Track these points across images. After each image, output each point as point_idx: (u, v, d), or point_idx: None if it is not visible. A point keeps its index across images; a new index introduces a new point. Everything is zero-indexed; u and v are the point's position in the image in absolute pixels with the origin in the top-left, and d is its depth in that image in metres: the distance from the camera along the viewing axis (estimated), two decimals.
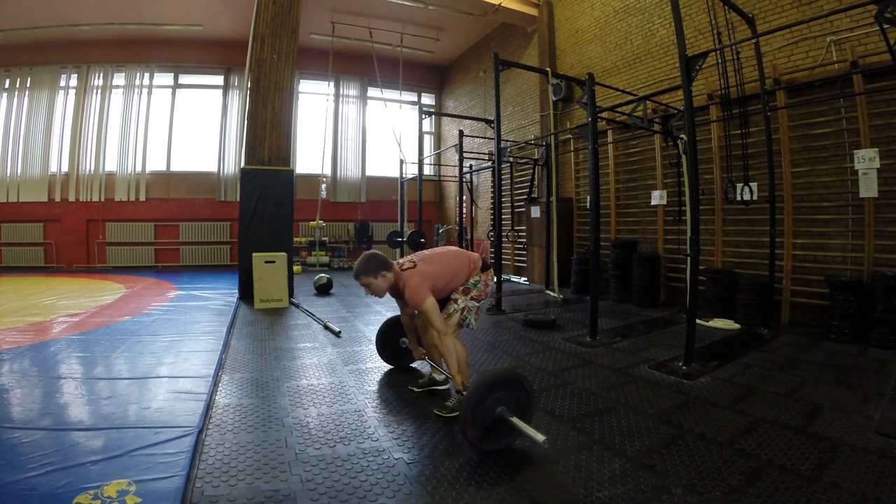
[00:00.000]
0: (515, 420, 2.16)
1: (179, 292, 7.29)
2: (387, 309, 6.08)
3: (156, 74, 11.49)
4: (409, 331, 3.15)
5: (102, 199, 11.06)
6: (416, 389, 3.07)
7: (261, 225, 6.71)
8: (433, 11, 10.02)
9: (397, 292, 2.81)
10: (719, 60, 4.75)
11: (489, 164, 9.66)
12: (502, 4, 9.18)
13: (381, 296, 2.75)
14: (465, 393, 2.68)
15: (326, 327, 4.89)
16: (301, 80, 12.31)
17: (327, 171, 12.50)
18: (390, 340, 3.51)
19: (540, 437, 2.02)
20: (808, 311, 4.96)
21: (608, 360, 3.85)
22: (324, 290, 7.42)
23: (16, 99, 10.97)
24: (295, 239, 9.21)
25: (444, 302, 2.79)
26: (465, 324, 2.81)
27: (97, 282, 8.61)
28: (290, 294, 6.59)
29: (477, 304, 2.83)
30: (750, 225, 5.55)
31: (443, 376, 3.07)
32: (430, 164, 13.36)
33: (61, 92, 11.15)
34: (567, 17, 8.88)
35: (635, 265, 6.57)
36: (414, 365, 3.57)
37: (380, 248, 12.80)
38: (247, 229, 6.70)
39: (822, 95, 4.82)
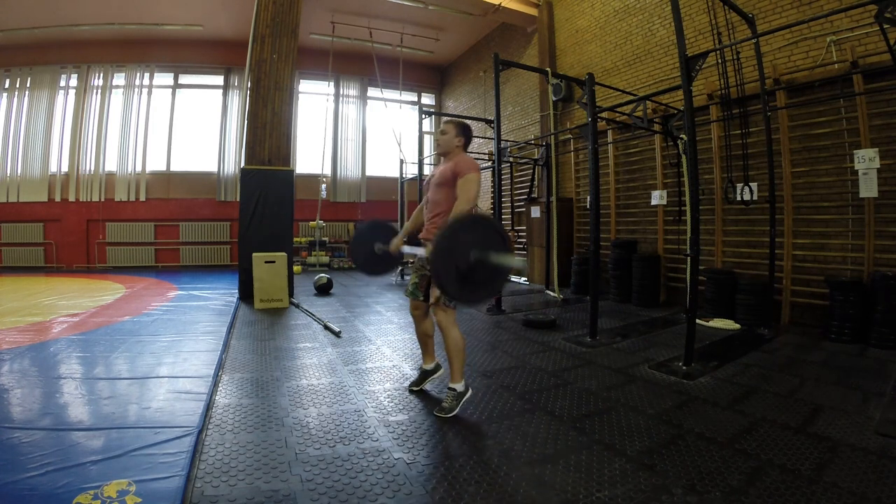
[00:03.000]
0: (492, 255, 2.06)
1: (179, 292, 7.29)
2: (387, 309, 6.08)
3: (156, 74, 11.49)
4: (418, 315, 3.07)
5: (102, 199, 11.07)
6: (413, 388, 3.10)
7: (261, 225, 6.70)
8: (433, 11, 10.02)
9: (442, 179, 2.79)
10: (719, 60, 4.75)
11: (489, 164, 9.66)
12: (502, 4, 9.18)
13: (440, 149, 2.85)
14: (458, 388, 2.69)
15: (326, 327, 4.89)
16: (301, 80, 12.32)
17: (327, 171, 12.50)
18: (365, 244, 3.24)
19: (518, 262, 1.97)
20: (808, 311, 4.96)
21: (608, 360, 3.85)
22: (324, 290, 7.42)
23: (16, 99, 10.97)
24: (295, 239, 9.21)
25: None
26: (455, 306, 2.76)
27: (97, 282, 8.61)
28: (290, 294, 6.59)
29: None
30: (750, 225, 5.55)
31: (432, 364, 3.09)
32: (430, 164, 13.35)
33: (61, 92, 11.15)
34: (567, 17, 8.89)
35: (635, 265, 6.57)
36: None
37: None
38: (247, 229, 6.70)
39: (822, 95, 4.82)
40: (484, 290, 2.22)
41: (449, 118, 2.78)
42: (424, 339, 3.07)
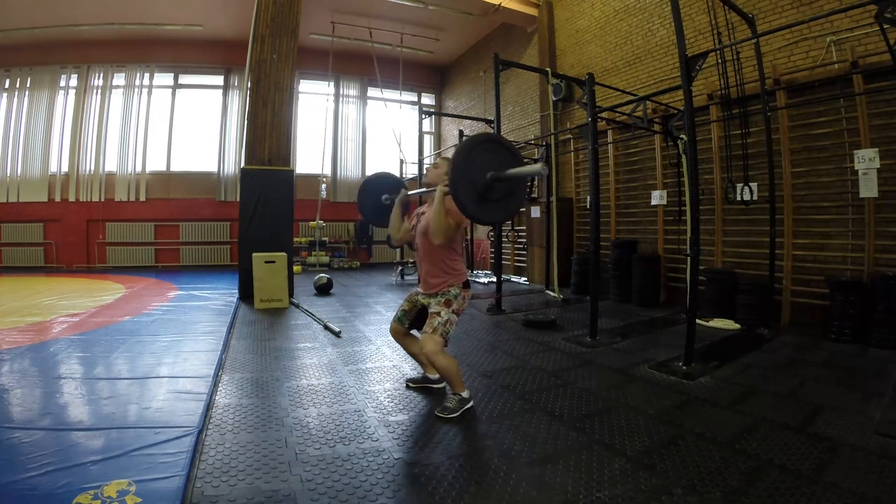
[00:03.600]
0: (509, 171, 2.14)
1: (179, 292, 7.29)
2: (387, 309, 6.08)
3: (156, 74, 11.49)
4: (398, 337, 3.07)
5: (102, 199, 11.07)
6: (412, 385, 3.14)
7: (261, 225, 6.70)
8: (433, 11, 10.02)
9: (417, 226, 2.85)
10: (719, 60, 4.75)
11: None
12: (502, 4, 9.18)
13: (427, 180, 2.85)
14: (463, 394, 2.69)
15: (326, 327, 4.89)
16: (301, 80, 12.31)
17: (327, 171, 12.51)
18: (372, 195, 3.32)
19: (537, 166, 2.07)
20: (808, 311, 4.96)
21: (608, 360, 3.85)
22: (324, 290, 7.42)
23: (16, 99, 10.97)
24: (295, 239, 9.21)
25: (424, 318, 2.80)
26: (448, 337, 2.71)
27: (97, 282, 8.61)
28: (290, 294, 6.59)
29: (457, 318, 2.78)
30: (750, 225, 5.54)
31: (436, 375, 3.09)
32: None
33: (61, 92, 11.15)
34: (567, 17, 8.88)
35: (635, 265, 6.56)
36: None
37: (380, 248, 12.86)
38: (247, 229, 6.70)
39: (822, 95, 4.82)
40: (502, 210, 2.29)
41: (446, 156, 2.77)
42: (416, 357, 3.07)
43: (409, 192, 3.18)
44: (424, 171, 2.90)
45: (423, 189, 2.95)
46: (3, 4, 9.11)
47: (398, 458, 2.16)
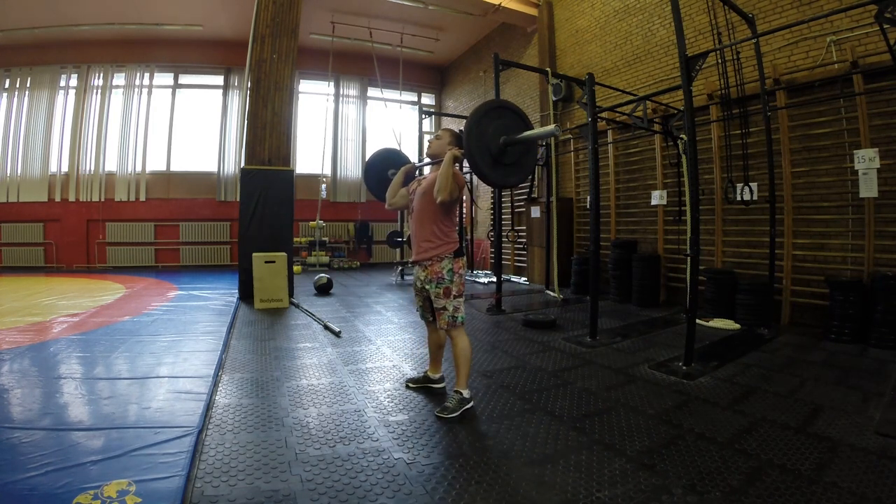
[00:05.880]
0: (522, 134, 2.25)
1: (179, 292, 7.29)
2: (387, 309, 6.08)
3: (156, 74, 11.48)
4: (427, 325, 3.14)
5: (102, 199, 11.06)
6: (412, 385, 3.13)
7: (261, 225, 6.70)
8: (433, 11, 10.02)
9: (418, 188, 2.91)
10: (719, 60, 4.75)
11: None
12: (502, 4, 9.18)
13: (431, 151, 2.92)
14: (464, 394, 2.70)
15: (326, 327, 4.89)
16: (301, 80, 12.31)
17: (327, 171, 12.51)
18: (378, 171, 3.53)
19: (550, 128, 2.19)
20: (808, 311, 4.96)
21: (608, 360, 3.85)
22: (324, 290, 7.42)
23: (16, 99, 10.96)
24: (295, 239, 9.21)
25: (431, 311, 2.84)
26: (464, 321, 2.82)
27: (97, 282, 8.61)
28: (290, 294, 6.59)
29: (462, 299, 2.81)
30: (750, 225, 5.54)
31: (437, 375, 3.10)
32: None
33: (61, 92, 11.14)
34: (567, 17, 8.89)
35: (635, 265, 6.56)
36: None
37: (380, 248, 12.86)
38: (247, 229, 6.69)
39: (822, 95, 4.82)
40: (517, 172, 2.41)
41: (448, 127, 2.84)
42: (435, 350, 3.09)
43: (417, 164, 3.28)
44: (427, 143, 2.95)
45: (428, 161, 3.01)
46: (3, 4, 9.10)
47: (398, 458, 2.16)
